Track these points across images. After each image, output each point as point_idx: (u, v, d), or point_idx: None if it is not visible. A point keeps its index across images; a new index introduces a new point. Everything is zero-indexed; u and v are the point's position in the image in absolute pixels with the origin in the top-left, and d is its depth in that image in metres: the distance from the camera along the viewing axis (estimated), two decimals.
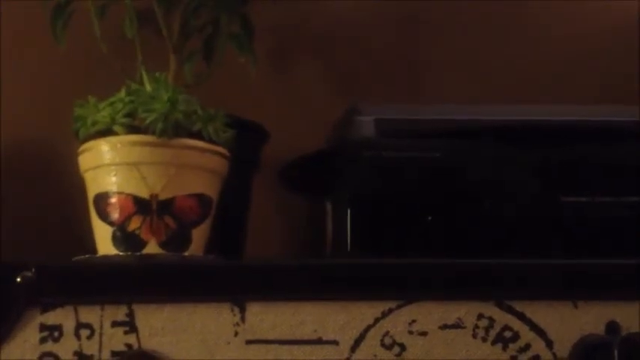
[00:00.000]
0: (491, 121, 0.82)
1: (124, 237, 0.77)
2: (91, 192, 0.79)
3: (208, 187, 0.80)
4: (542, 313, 0.70)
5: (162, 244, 0.77)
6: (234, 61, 0.92)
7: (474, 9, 1.15)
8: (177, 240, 0.78)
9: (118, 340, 0.68)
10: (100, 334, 0.68)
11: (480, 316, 0.70)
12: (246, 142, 0.87)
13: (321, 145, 0.94)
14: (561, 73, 1.13)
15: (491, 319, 0.70)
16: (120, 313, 0.68)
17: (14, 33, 1.05)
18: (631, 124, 0.83)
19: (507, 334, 0.70)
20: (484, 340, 0.70)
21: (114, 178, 0.77)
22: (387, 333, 0.69)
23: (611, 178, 0.81)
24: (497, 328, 0.70)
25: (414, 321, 0.70)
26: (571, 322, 0.70)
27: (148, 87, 0.82)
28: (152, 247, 0.77)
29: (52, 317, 0.68)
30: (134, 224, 0.77)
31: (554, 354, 0.70)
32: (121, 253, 0.77)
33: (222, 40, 0.92)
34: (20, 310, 0.67)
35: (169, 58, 0.89)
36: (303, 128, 1.06)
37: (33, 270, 0.67)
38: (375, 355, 0.69)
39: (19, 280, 0.67)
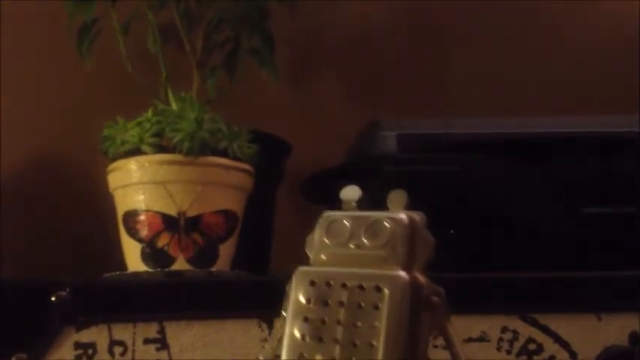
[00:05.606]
0: (512, 134, 0.83)
1: (153, 253, 0.79)
2: (121, 210, 0.81)
3: (234, 203, 0.82)
4: (566, 325, 0.71)
5: (190, 260, 0.79)
6: (255, 75, 0.93)
7: (494, 21, 1.15)
8: (204, 256, 0.79)
9: (150, 356, 0.70)
10: (133, 351, 0.69)
11: (505, 329, 0.71)
12: (268, 156, 0.89)
13: (342, 156, 0.95)
14: (582, 84, 1.14)
15: (515, 332, 0.71)
16: (151, 330, 0.70)
17: (39, 52, 1.07)
18: None
19: (532, 346, 0.71)
20: (508, 352, 0.71)
21: (142, 196, 0.79)
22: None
23: (633, 190, 0.82)
24: (521, 341, 0.71)
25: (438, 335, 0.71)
26: (594, 333, 0.71)
27: (174, 106, 0.84)
28: (180, 264, 0.78)
29: (86, 335, 0.69)
30: (163, 241, 0.79)
31: None
32: (150, 270, 0.78)
33: (243, 55, 0.93)
34: (55, 328, 0.69)
35: (192, 74, 0.91)
36: (325, 140, 1.07)
37: (67, 289, 0.69)
38: None
39: (53, 299, 0.69)
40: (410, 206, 0.48)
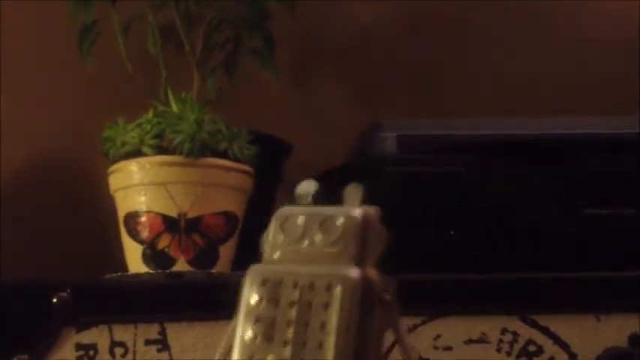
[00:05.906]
0: (513, 135, 0.83)
1: (153, 255, 0.79)
2: (122, 211, 0.81)
3: (234, 204, 0.82)
4: (566, 326, 0.71)
5: (190, 262, 0.79)
6: (255, 75, 0.94)
7: (494, 21, 1.15)
8: (205, 257, 0.79)
9: (151, 357, 0.70)
10: (134, 352, 0.70)
11: (504, 331, 0.71)
12: (268, 157, 0.89)
13: (343, 157, 0.95)
14: (582, 84, 1.14)
15: (515, 334, 0.71)
16: (152, 331, 0.70)
17: (39, 52, 1.07)
18: None
19: (531, 347, 0.71)
20: (508, 354, 0.71)
21: (143, 198, 0.79)
22: (412, 349, 0.70)
23: (633, 191, 0.82)
24: (521, 342, 0.71)
25: (439, 336, 0.71)
26: (594, 335, 0.71)
27: (174, 107, 0.84)
28: (181, 265, 0.79)
29: (87, 336, 0.69)
30: (163, 242, 0.79)
31: None
32: (151, 271, 0.79)
33: (243, 56, 0.93)
34: (56, 329, 0.69)
35: (192, 74, 0.91)
36: (325, 141, 1.07)
37: (68, 290, 0.69)
38: None
39: (55, 300, 0.69)
40: (366, 200, 0.47)
